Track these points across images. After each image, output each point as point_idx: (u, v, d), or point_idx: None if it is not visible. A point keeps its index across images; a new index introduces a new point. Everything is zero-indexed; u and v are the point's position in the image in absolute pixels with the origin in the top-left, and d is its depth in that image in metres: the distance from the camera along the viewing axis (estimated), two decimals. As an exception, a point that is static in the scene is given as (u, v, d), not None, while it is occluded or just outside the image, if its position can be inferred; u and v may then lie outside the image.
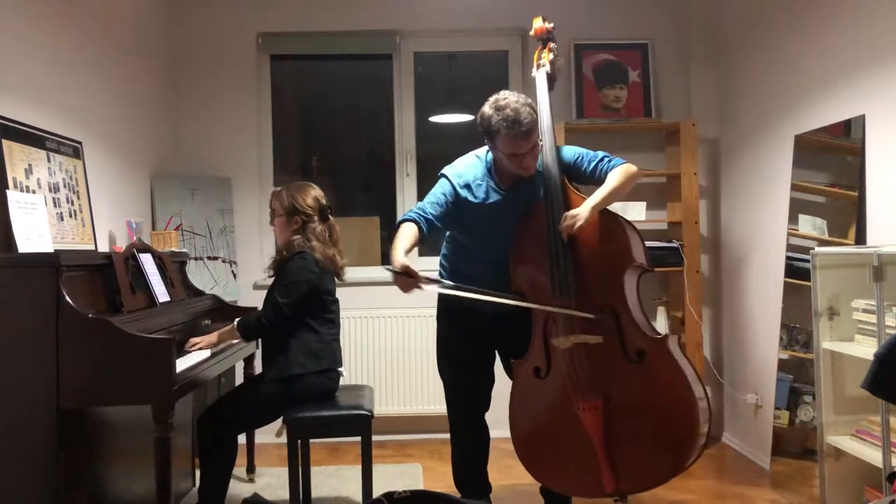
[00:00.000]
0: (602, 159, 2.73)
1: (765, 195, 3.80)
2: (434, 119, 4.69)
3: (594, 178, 2.71)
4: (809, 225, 3.37)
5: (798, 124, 3.47)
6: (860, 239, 2.99)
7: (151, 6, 4.15)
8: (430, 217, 2.68)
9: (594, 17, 4.40)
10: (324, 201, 3.03)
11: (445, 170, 2.83)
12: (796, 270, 3.41)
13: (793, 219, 3.47)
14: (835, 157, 3.26)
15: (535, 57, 2.91)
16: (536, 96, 2.79)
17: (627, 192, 2.69)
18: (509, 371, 2.84)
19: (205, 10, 4.42)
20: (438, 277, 2.82)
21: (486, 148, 2.79)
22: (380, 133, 4.72)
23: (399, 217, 2.77)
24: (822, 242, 3.22)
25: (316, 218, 2.98)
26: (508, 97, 2.61)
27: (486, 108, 2.64)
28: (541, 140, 2.68)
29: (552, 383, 2.64)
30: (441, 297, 2.91)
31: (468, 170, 2.79)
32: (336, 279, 3.04)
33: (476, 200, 2.74)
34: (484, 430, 2.93)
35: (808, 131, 3.39)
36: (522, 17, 4.46)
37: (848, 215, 3.10)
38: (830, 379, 2.90)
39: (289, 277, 2.86)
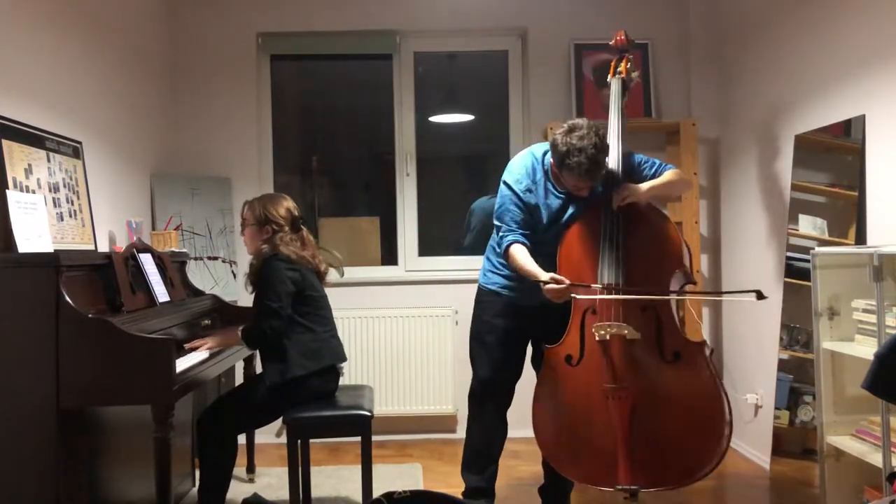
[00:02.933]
0: (660, 164, 2.92)
1: (765, 195, 3.80)
2: (434, 119, 4.69)
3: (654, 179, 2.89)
4: (809, 225, 3.37)
5: (798, 124, 3.47)
6: (860, 239, 2.99)
7: (151, 6, 4.15)
8: (522, 232, 2.81)
9: (594, 17, 4.40)
10: (296, 212, 3.02)
11: (506, 177, 2.89)
12: (796, 270, 3.41)
13: (793, 219, 3.47)
14: (835, 157, 3.26)
15: (612, 65, 3.09)
16: (610, 102, 3.00)
17: (678, 193, 3.00)
18: (537, 364, 2.87)
19: (205, 11, 4.42)
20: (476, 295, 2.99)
21: (542, 147, 2.89)
22: (380, 133, 4.72)
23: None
24: (822, 242, 3.22)
25: (287, 228, 2.96)
26: (584, 135, 2.63)
27: (560, 139, 2.67)
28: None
29: (582, 371, 2.69)
30: (484, 282, 2.99)
31: (526, 174, 2.86)
32: (316, 276, 3.01)
33: (537, 201, 2.83)
34: (503, 420, 2.96)
35: (808, 131, 3.39)
36: (522, 17, 4.47)
37: (848, 215, 3.10)
38: (830, 379, 2.90)
39: (270, 281, 2.83)
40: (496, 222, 2.90)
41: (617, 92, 3.01)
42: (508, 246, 2.79)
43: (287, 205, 3.00)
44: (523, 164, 2.89)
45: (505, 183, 2.88)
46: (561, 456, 2.74)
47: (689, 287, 2.85)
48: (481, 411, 2.95)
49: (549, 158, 2.84)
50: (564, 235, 2.80)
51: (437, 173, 4.71)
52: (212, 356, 2.83)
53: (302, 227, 3.03)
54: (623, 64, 3.07)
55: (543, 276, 2.63)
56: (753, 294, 2.41)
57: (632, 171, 2.86)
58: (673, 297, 2.68)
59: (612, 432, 2.60)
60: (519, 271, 2.76)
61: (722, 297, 2.63)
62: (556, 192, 2.84)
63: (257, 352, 3.43)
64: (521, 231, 2.80)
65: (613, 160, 2.83)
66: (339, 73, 4.93)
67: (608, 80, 3.09)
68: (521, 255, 2.75)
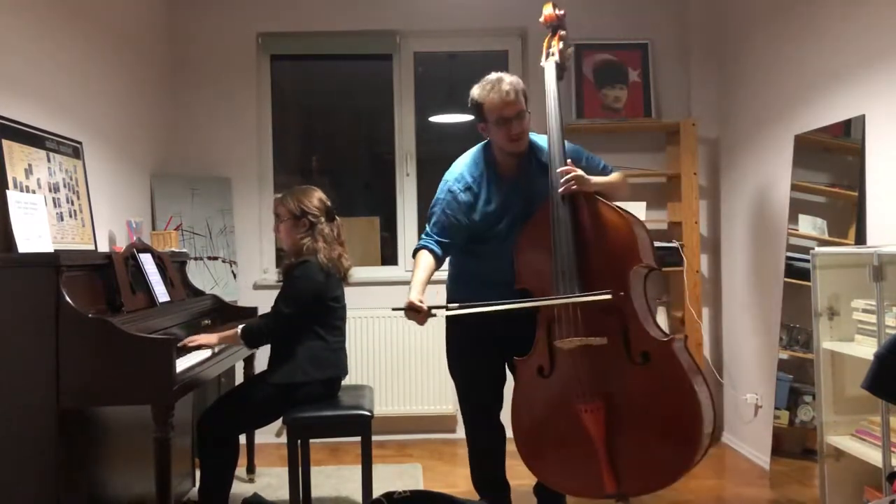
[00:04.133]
0: (608, 165, 2.82)
1: (765, 195, 3.80)
2: (434, 119, 4.69)
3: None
4: (809, 225, 3.37)
5: (798, 124, 3.47)
6: (860, 239, 2.99)
7: (151, 6, 4.15)
8: (437, 240, 2.73)
9: (594, 17, 4.40)
10: (328, 202, 3.05)
11: (446, 176, 2.82)
12: (796, 270, 3.41)
13: (793, 219, 3.47)
14: (835, 157, 3.26)
15: (545, 45, 2.84)
16: (545, 87, 2.76)
17: (619, 198, 2.74)
18: (514, 369, 2.80)
19: (205, 11, 4.42)
20: (444, 303, 2.81)
21: (484, 142, 2.83)
22: (380, 133, 4.72)
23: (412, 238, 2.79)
24: (822, 242, 3.22)
25: (323, 219, 2.99)
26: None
27: (474, 88, 2.73)
28: (529, 112, 2.70)
29: (555, 382, 2.61)
30: (452, 291, 2.89)
31: (467, 169, 2.79)
32: (343, 283, 3.04)
33: (480, 199, 2.74)
34: (500, 429, 2.91)
35: (808, 131, 3.39)
36: (522, 17, 4.46)
37: (848, 215, 3.10)
38: (830, 379, 2.90)
39: (293, 287, 2.86)
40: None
41: (552, 76, 2.75)
42: (417, 249, 2.72)
43: (318, 195, 3.04)
44: (468, 157, 2.83)
45: (444, 183, 2.80)
46: (544, 468, 2.68)
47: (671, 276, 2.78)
48: (480, 429, 2.89)
49: (490, 151, 2.79)
50: (517, 242, 2.69)
51: (437, 173, 4.68)
52: (212, 356, 2.83)
53: (335, 216, 3.05)
54: (556, 42, 2.80)
55: (408, 298, 2.55)
56: (608, 294, 2.46)
57: (576, 164, 2.70)
58: (529, 304, 2.55)
59: (590, 441, 2.52)
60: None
61: (577, 299, 2.55)
62: (499, 182, 2.75)
63: (258, 353, 3.44)
64: (436, 238, 2.72)
65: (555, 153, 2.65)
66: (339, 73, 4.93)
67: (541, 63, 2.81)
68: (421, 264, 2.67)
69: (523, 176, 2.76)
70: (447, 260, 2.90)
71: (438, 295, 2.89)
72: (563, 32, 2.85)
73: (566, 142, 2.72)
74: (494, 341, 2.82)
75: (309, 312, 2.88)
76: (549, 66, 2.79)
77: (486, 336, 2.79)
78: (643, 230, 2.63)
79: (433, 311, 2.56)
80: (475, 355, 2.83)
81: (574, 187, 2.57)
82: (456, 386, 2.92)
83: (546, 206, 2.65)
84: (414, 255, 2.74)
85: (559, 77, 2.79)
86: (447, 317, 2.84)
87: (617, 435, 2.52)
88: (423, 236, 2.77)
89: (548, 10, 2.89)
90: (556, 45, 2.81)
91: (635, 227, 2.60)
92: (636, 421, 2.51)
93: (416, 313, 2.53)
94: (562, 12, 2.89)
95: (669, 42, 4.46)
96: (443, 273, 2.89)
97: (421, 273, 2.65)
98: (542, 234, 2.63)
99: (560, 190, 2.58)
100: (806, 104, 3.42)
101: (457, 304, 2.62)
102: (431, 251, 2.71)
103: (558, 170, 2.60)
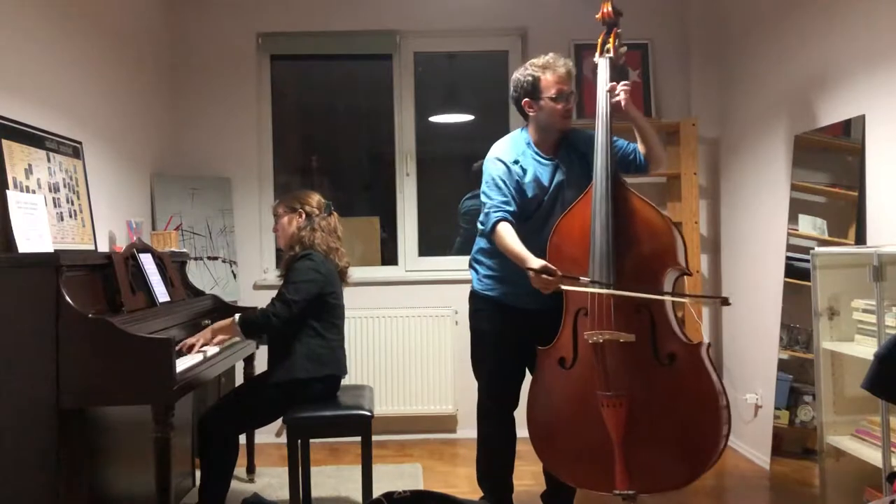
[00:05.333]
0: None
1: (765, 195, 3.80)
2: (434, 119, 4.69)
3: (636, 161, 2.81)
4: (809, 225, 3.37)
5: (798, 124, 3.47)
6: (860, 239, 2.99)
7: (151, 6, 4.15)
8: (510, 209, 2.70)
9: (594, 18, 4.38)
10: (324, 201, 3.11)
11: (492, 155, 2.81)
12: (796, 270, 3.41)
13: (793, 219, 3.47)
14: (835, 157, 3.26)
15: (600, 41, 2.83)
16: (597, 83, 2.76)
17: (655, 150, 2.77)
18: (532, 361, 2.79)
19: (205, 10, 4.42)
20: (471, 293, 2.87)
21: (518, 129, 2.89)
22: (380, 133, 4.72)
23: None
24: (822, 242, 3.22)
25: (318, 212, 3.05)
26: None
27: (520, 70, 2.82)
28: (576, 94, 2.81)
29: (576, 375, 2.61)
30: (481, 288, 2.89)
31: (512, 146, 2.82)
32: (341, 280, 3.05)
33: (527, 174, 2.76)
34: (512, 428, 2.92)
35: (808, 131, 3.39)
36: (522, 17, 4.47)
37: (848, 215, 3.10)
38: (830, 379, 2.90)
39: (297, 276, 2.87)
40: (483, 198, 2.76)
41: (605, 73, 2.75)
42: (495, 224, 2.67)
43: (316, 195, 3.12)
44: (508, 139, 2.86)
45: (491, 160, 2.79)
46: (556, 459, 2.69)
47: (684, 280, 2.77)
48: (491, 419, 2.90)
49: (526, 131, 2.84)
50: (554, 228, 2.68)
51: (437, 173, 4.71)
52: (212, 356, 2.83)
53: (333, 211, 3.11)
54: (612, 40, 2.79)
55: (534, 262, 2.51)
56: (719, 300, 2.47)
57: (615, 154, 2.73)
58: (667, 297, 2.57)
59: (607, 438, 2.53)
60: (506, 253, 2.64)
61: (686, 300, 2.56)
62: (541, 160, 2.78)
63: (257, 353, 3.44)
64: (507, 209, 2.69)
65: (600, 149, 2.64)
66: (339, 73, 4.93)
67: (595, 59, 2.82)
68: (510, 235, 2.63)
69: (562, 154, 2.81)
70: (480, 255, 2.91)
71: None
72: (619, 30, 2.84)
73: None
74: (521, 336, 2.81)
75: (309, 307, 2.87)
76: (603, 63, 2.79)
77: (513, 328, 2.81)
78: (679, 234, 2.64)
79: (563, 286, 2.52)
80: (503, 350, 2.84)
81: (623, 97, 2.67)
82: (479, 379, 2.93)
83: (584, 202, 2.66)
84: (492, 231, 2.68)
85: (612, 75, 2.77)
86: (472, 310, 2.91)
87: (635, 433, 2.52)
88: (489, 211, 2.71)
89: (607, 6, 2.87)
90: (612, 43, 2.81)
91: (673, 231, 2.62)
92: (656, 421, 2.52)
93: (550, 277, 2.49)
94: (619, 9, 2.87)
95: (669, 42, 4.46)
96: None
97: (519, 243, 2.62)
98: (579, 227, 2.64)
99: (613, 100, 2.68)
100: (806, 104, 3.42)
101: (588, 279, 2.54)
102: (510, 222, 2.67)
103: (609, 85, 2.70)
